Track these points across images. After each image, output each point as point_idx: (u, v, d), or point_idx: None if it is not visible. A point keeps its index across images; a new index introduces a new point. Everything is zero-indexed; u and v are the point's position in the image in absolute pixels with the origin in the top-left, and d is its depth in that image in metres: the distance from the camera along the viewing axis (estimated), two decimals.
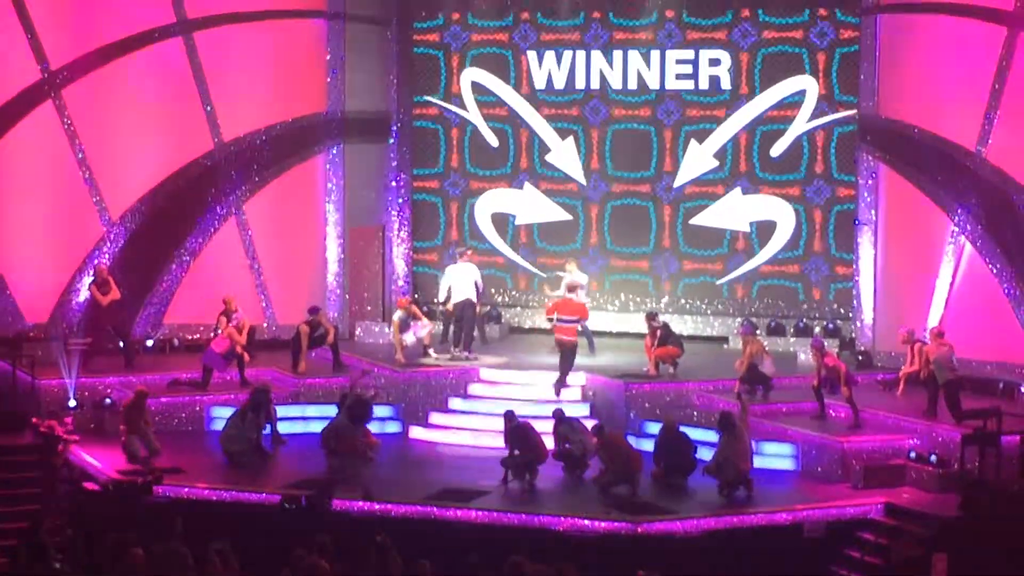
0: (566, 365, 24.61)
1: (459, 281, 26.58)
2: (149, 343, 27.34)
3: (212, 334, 25.76)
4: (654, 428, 22.73)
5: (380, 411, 24.12)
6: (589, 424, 22.35)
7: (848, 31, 27.05)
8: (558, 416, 22.24)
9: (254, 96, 28.13)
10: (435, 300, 27.97)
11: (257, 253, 28.43)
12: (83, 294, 27.00)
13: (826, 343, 24.01)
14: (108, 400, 23.80)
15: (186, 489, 20.74)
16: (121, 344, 25.99)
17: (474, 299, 26.48)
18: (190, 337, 27.50)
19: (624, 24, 28.41)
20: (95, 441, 22.77)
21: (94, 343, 25.65)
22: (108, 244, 27.57)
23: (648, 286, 28.69)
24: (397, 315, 26.00)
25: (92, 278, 26.26)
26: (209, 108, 27.92)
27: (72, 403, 23.61)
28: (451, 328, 26.57)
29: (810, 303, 27.88)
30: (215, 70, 27.88)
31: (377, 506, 20.02)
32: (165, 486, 20.71)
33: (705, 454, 21.64)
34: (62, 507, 20.93)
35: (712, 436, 22.10)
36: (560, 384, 24.52)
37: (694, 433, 22.21)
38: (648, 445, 22.33)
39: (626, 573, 16.74)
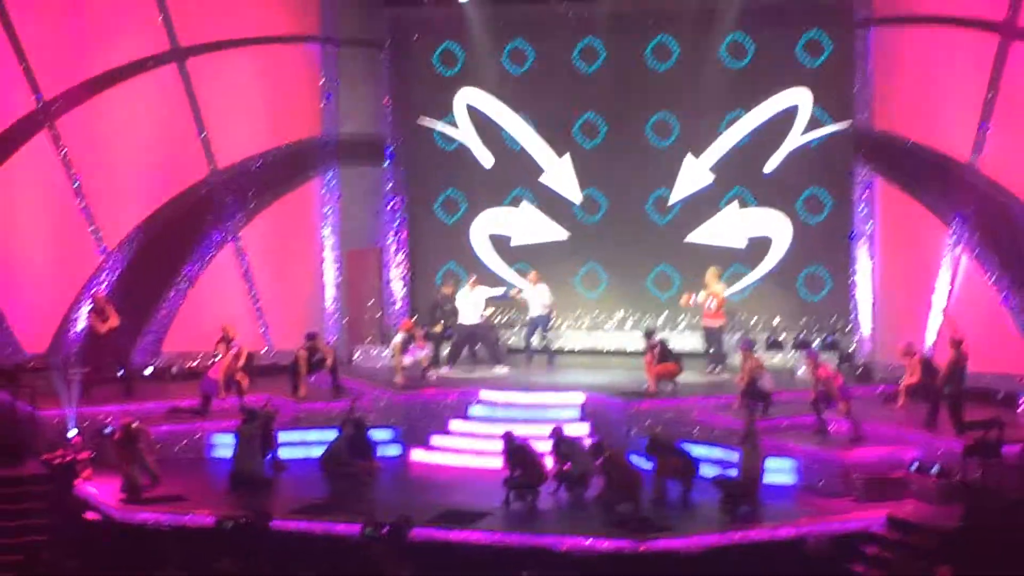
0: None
1: (463, 306, 27.39)
2: (148, 371, 27.29)
3: (211, 361, 25.72)
4: None
5: (380, 434, 24.11)
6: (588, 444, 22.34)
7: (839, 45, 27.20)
8: (557, 435, 22.21)
9: (248, 122, 28.14)
10: (437, 324, 27.89)
11: (254, 279, 28.42)
12: (81, 323, 26.98)
13: (821, 355, 24.03)
14: (108, 429, 23.70)
15: (188, 516, 20.65)
16: (121, 373, 25.98)
17: (474, 322, 27.29)
18: (189, 365, 27.47)
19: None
20: (96, 471, 22.69)
21: (93, 372, 25.58)
22: (106, 272, 27.56)
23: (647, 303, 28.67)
24: (399, 337, 26.00)
25: (90, 307, 26.24)
26: (204, 134, 27.94)
27: (72, 433, 23.53)
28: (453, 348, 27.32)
29: (808, 317, 27.85)
30: (209, 96, 27.89)
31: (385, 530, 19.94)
32: (165, 514, 20.72)
33: (707, 470, 21.66)
34: (70, 538, 20.87)
35: (714, 452, 22.12)
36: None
37: (697, 450, 22.20)
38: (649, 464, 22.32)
39: None
